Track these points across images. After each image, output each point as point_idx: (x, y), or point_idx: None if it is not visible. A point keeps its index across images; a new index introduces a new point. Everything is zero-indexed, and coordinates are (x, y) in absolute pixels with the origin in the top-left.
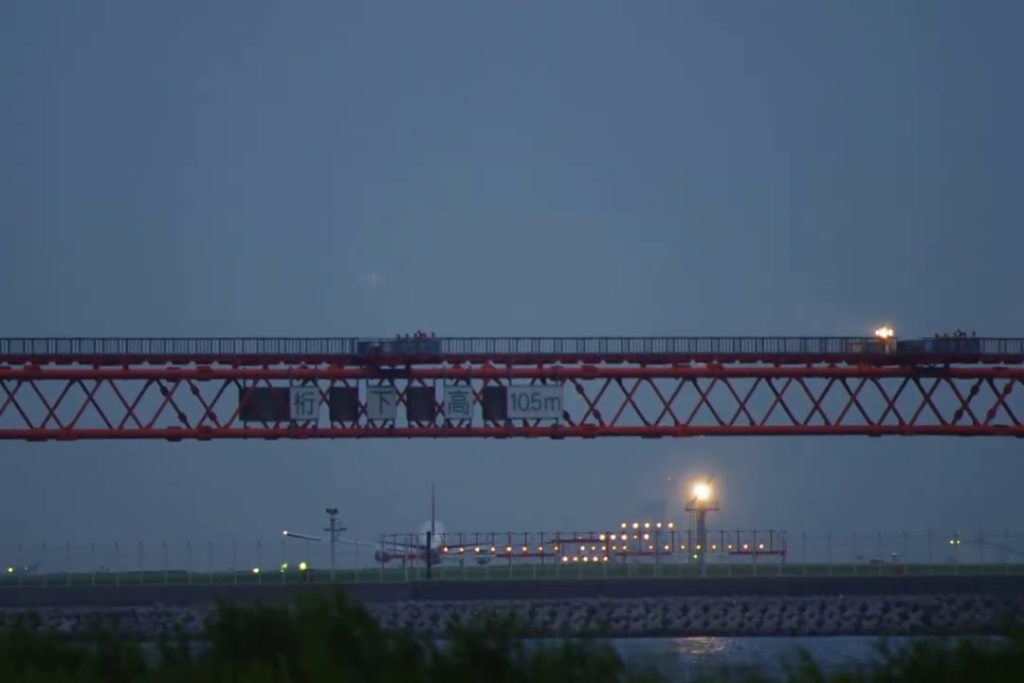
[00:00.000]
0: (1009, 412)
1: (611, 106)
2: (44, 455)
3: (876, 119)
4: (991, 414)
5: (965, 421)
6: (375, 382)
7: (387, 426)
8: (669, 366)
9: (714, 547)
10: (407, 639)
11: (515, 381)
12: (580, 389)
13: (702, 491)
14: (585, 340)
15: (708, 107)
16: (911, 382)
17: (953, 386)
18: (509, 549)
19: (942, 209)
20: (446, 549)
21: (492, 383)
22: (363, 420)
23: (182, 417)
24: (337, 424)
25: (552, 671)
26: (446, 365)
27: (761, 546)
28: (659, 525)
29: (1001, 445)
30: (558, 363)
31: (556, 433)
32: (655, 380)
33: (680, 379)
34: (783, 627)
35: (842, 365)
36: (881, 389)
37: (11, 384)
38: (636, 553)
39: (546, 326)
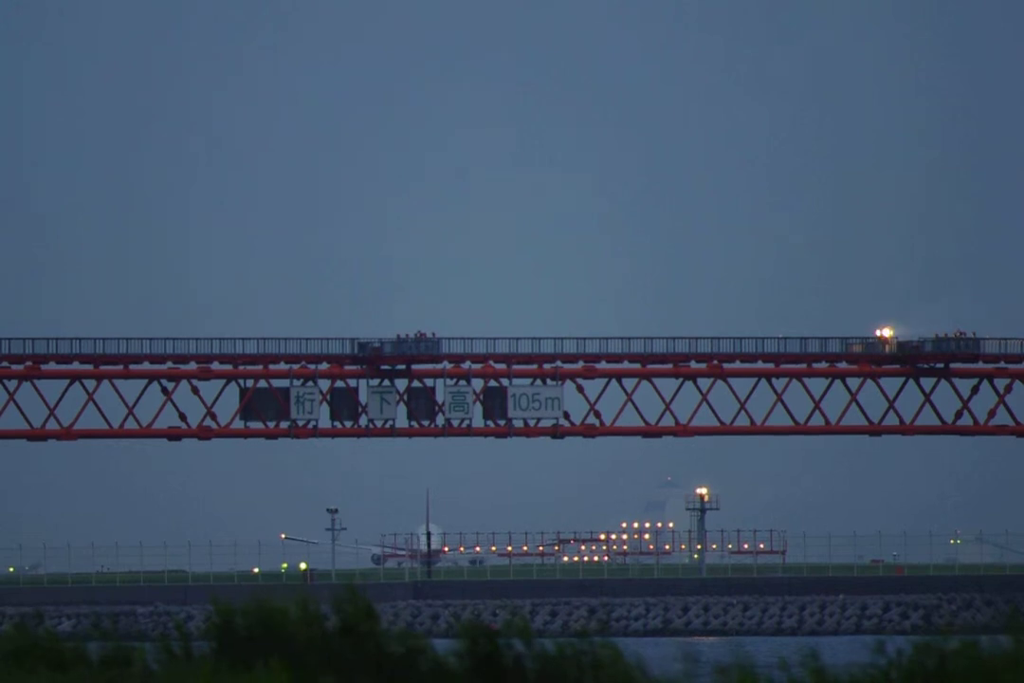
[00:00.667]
0: (1009, 412)
1: (611, 108)
2: (44, 455)
3: (878, 119)
4: (991, 414)
5: (965, 421)
6: (375, 382)
7: (387, 426)
8: (669, 366)
9: (714, 547)
10: (411, 636)
11: (515, 381)
12: (580, 389)
13: (702, 490)
14: (585, 340)
15: (708, 108)
16: (911, 382)
17: (953, 386)
18: (510, 549)
19: (943, 209)
20: (446, 548)
21: (492, 383)
22: (363, 420)
23: (182, 417)
24: (337, 424)
25: (552, 671)
26: (446, 365)
27: (761, 546)
28: (659, 525)
29: (1001, 445)
30: (558, 363)
31: (556, 433)
32: (655, 380)
33: (680, 379)
34: (783, 627)
35: (842, 365)
36: (881, 389)
37: (11, 384)
38: (636, 553)
39: (546, 326)
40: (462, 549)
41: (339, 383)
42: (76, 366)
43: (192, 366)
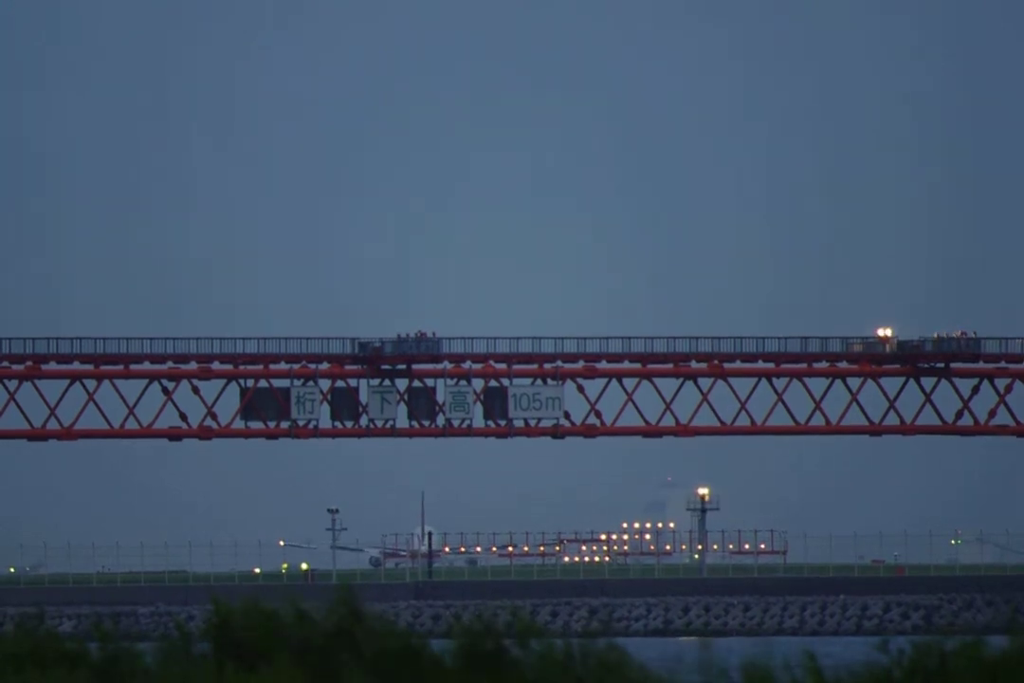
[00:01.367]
0: (1010, 412)
1: (611, 107)
2: (45, 455)
3: (879, 119)
4: (992, 414)
5: (966, 421)
6: (376, 382)
7: (388, 426)
8: (670, 366)
9: (715, 547)
10: (409, 636)
11: (516, 381)
12: (581, 389)
13: (703, 490)
14: (586, 340)
15: (708, 107)
16: (912, 382)
17: (954, 386)
18: (510, 549)
19: (943, 209)
20: (447, 548)
21: (493, 383)
22: (364, 420)
23: (183, 417)
24: (338, 424)
25: (553, 671)
26: (447, 365)
27: (762, 546)
28: (660, 525)
29: (1002, 445)
30: (559, 363)
31: (557, 433)
32: (656, 380)
33: (681, 379)
34: (784, 627)
35: (843, 365)
36: (882, 389)
37: (12, 384)
38: (637, 553)
39: (547, 326)
40: (463, 549)
41: (340, 383)
42: (76, 366)
43: (192, 366)
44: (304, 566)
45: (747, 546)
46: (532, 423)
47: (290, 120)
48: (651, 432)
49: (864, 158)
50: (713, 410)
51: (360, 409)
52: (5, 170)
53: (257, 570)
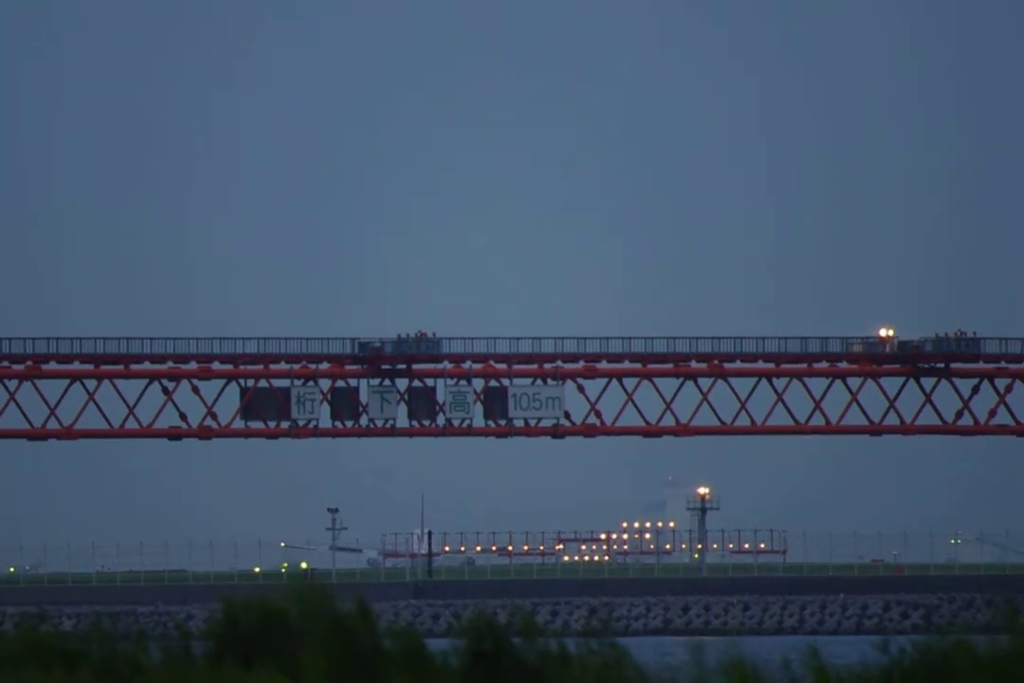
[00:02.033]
0: (1010, 412)
1: (611, 107)
2: (45, 455)
3: (879, 118)
4: (992, 414)
5: (966, 421)
6: (376, 382)
7: (388, 426)
8: (670, 366)
9: (715, 546)
10: (410, 635)
11: (516, 381)
12: (581, 389)
13: (703, 489)
14: (586, 340)
15: (708, 107)
16: (912, 382)
17: (954, 386)
18: (510, 548)
19: (943, 209)
20: (446, 548)
21: (493, 383)
22: (364, 420)
23: (183, 417)
24: (338, 424)
25: (553, 671)
26: (447, 365)
27: (762, 545)
28: (660, 524)
29: (1002, 445)
30: (559, 363)
31: (557, 433)
32: (656, 380)
33: (681, 379)
34: (784, 626)
35: (843, 365)
36: (882, 389)
37: (12, 383)
38: (637, 552)
39: (547, 326)
40: (463, 549)
41: (340, 383)
42: (77, 366)
43: (193, 366)
44: (304, 565)
45: (747, 546)
46: (532, 423)
47: (290, 120)
48: (651, 432)
49: (864, 158)
50: (713, 410)
51: (360, 409)
52: (5, 170)
53: (257, 570)
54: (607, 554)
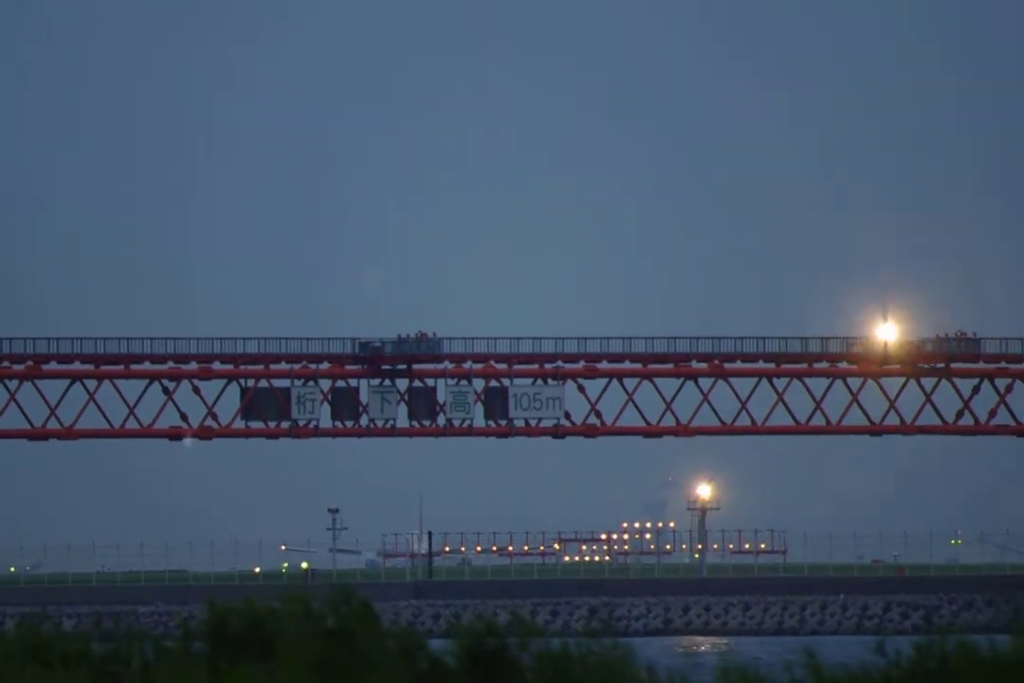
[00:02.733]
0: (1010, 412)
1: (611, 108)
2: (45, 455)
3: (879, 118)
4: (992, 414)
5: (966, 421)
6: (376, 382)
7: (388, 426)
8: (670, 366)
9: (715, 547)
10: (408, 635)
11: (516, 381)
12: (581, 389)
13: (704, 490)
14: (587, 340)
15: (706, 107)
16: (912, 382)
17: (954, 386)
18: (510, 548)
19: (944, 208)
20: (447, 548)
21: (493, 383)
22: (364, 420)
23: (183, 417)
24: (338, 424)
25: (553, 671)
26: (447, 365)
27: (762, 546)
28: (660, 524)
29: (1002, 445)
30: (559, 363)
31: (557, 433)
32: (656, 380)
33: (681, 379)
34: (784, 627)
35: (843, 365)
36: (882, 389)
37: (12, 384)
38: (637, 552)
39: (547, 326)
40: (463, 549)
41: (340, 383)
42: (77, 366)
43: (193, 366)
44: (304, 565)
45: (747, 546)
46: (533, 423)
47: (290, 119)
48: (651, 432)
49: (865, 157)
50: (713, 410)
51: (360, 409)
52: (5, 170)
53: (257, 570)
54: (607, 554)
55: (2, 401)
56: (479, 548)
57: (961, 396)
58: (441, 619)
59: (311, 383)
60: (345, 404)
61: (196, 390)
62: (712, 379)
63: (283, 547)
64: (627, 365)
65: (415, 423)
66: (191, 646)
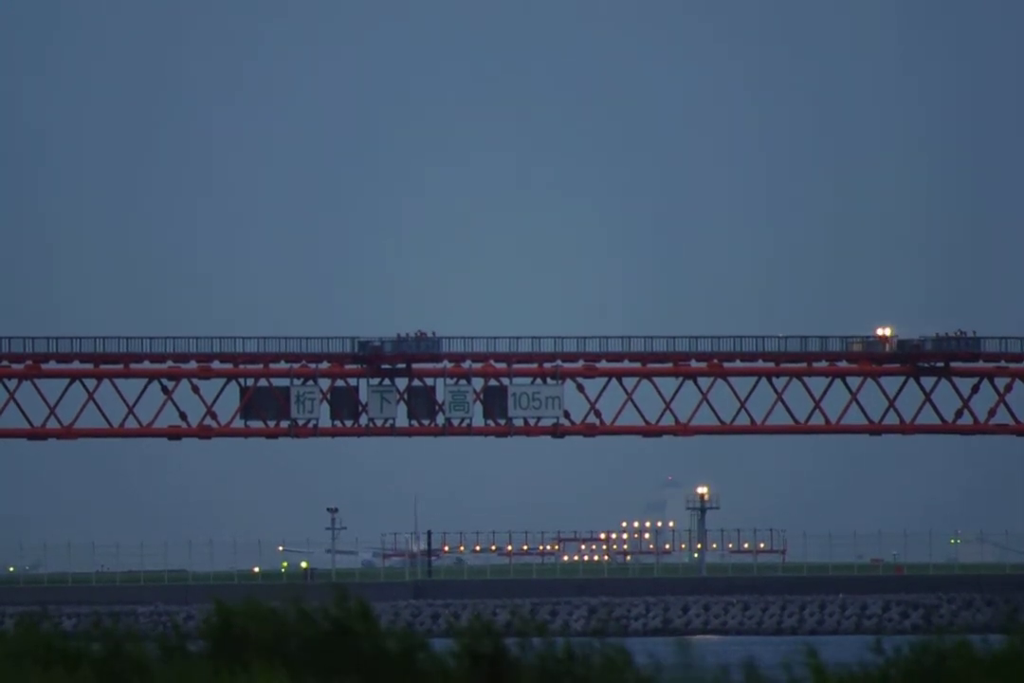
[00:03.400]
0: (1010, 411)
1: (610, 109)
2: (45, 454)
3: (879, 118)
4: (992, 413)
5: (966, 420)
6: (376, 381)
7: (388, 425)
8: (670, 365)
9: (714, 546)
10: (408, 636)
11: (516, 380)
12: (581, 388)
13: (702, 489)
14: (586, 339)
15: (706, 107)
16: (912, 381)
17: (954, 385)
18: (509, 548)
19: (943, 209)
20: (446, 548)
21: (493, 382)
22: (364, 419)
23: (183, 416)
24: (338, 423)
25: (553, 671)
26: (447, 364)
27: (761, 545)
28: (659, 524)
29: (1002, 444)
30: (559, 362)
31: (557, 432)
32: (656, 379)
33: (680, 378)
34: (783, 626)
35: (843, 364)
36: (882, 388)
37: (12, 383)
38: (636, 552)
39: (546, 325)
40: (462, 548)
41: (339, 382)
42: (76, 365)
43: (192, 365)
44: (304, 565)
45: (746, 545)
46: (532, 422)
47: (292, 120)
48: (651, 432)
49: (865, 158)
50: (713, 410)
51: (360, 408)
52: (5, 169)
53: (256, 569)
54: (607, 554)
55: (1, 400)
56: (478, 547)
57: (960, 395)
58: (440, 619)
59: (310, 382)
60: (344, 403)
61: (195, 389)
62: (711, 378)
63: (281, 548)
64: (626, 364)
65: (414, 422)
66: (185, 646)
